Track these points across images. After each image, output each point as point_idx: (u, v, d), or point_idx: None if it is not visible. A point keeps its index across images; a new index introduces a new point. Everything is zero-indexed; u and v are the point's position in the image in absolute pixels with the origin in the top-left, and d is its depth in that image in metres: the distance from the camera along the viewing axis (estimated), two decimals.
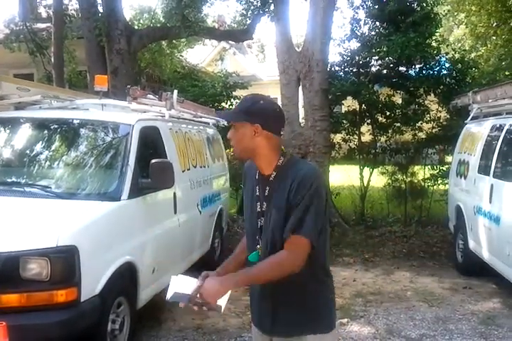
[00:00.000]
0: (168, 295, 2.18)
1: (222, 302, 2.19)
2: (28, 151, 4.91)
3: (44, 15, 14.61)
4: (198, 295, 2.11)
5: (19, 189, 4.27)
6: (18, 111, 5.53)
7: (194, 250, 5.99)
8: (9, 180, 4.55)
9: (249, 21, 12.29)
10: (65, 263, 3.46)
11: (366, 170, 9.81)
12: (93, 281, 3.67)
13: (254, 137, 2.24)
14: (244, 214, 2.48)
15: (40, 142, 5.04)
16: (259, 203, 2.31)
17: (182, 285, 2.18)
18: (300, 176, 2.18)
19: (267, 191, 2.28)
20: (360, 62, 9.80)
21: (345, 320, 5.16)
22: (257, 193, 2.32)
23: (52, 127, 5.16)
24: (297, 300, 2.26)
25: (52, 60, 11.70)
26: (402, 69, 9.79)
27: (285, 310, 2.27)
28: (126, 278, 4.14)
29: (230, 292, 2.21)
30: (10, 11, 24.63)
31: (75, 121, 5.17)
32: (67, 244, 3.48)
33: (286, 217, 2.19)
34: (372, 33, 10.04)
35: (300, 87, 9.52)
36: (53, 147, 5.06)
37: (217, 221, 7.00)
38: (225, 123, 8.82)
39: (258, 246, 2.31)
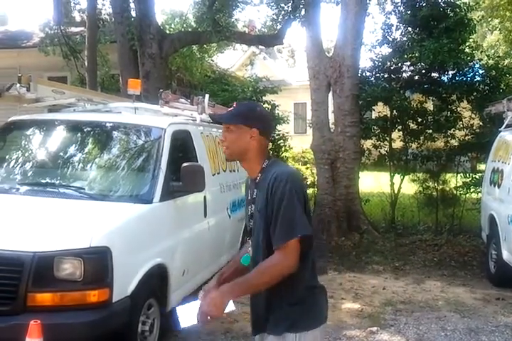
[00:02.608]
0: (181, 324, 2.31)
1: (230, 307, 2.21)
2: (62, 153, 4.97)
3: (78, 19, 14.87)
4: (203, 314, 2.15)
5: (54, 190, 4.33)
6: (53, 114, 5.63)
7: (223, 253, 5.99)
8: (44, 181, 4.62)
9: (279, 26, 12.32)
10: (98, 263, 3.50)
11: (397, 177, 9.70)
12: (125, 282, 3.70)
13: (250, 140, 2.35)
14: None
15: (74, 144, 5.11)
16: (250, 206, 2.41)
17: (189, 311, 2.26)
18: (273, 178, 2.25)
19: (254, 194, 2.38)
20: (392, 67, 9.74)
21: (375, 328, 5.09)
22: (249, 197, 2.44)
23: (86, 130, 5.22)
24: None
25: (86, 63, 11.88)
26: (435, 75, 9.68)
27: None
28: (156, 279, 4.16)
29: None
30: (45, 15, 25.13)
31: (108, 124, 5.22)
32: (100, 245, 3.52)
33: (266, 220, 2.26)
34: (404, 38, 9.97)
35: (330, 93, 9.48)
36: (87, 149, 5.11)
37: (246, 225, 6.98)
38: None
39: (249, 249, 2.41)
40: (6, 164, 4.88)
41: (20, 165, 4.86)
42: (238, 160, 2.45)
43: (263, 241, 2.28)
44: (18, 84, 4.90)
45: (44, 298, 3.42)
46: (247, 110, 2.41)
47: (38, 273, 3.39)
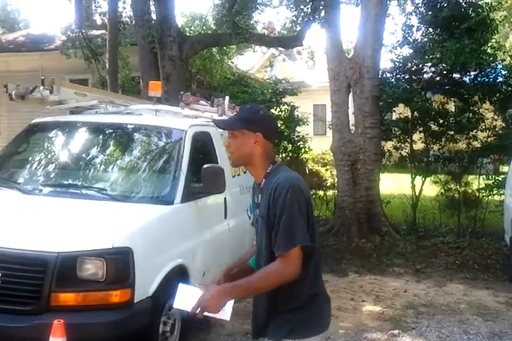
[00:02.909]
0: (175, 303, 2.30)
1: (227, 310, 2.22)
2: (84, 155, 5.04)
3: (99, 22, 15.04)
4: (200, 308, 2.17)
5: (76, 191, 4.38)
6: (76, 116, 5.69)
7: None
8: (66, 182, 4.68)
9: (299, 28, 12.31)
10: (120, 264, 3.53)
11: (418, 179, 9.60)
12: (146, 283, 3.72)
13: (254, 145, 2.34)
14: None
15: (96, 146, 5.16)
16: (257, 210, 2.42)
17: (187, 295, 2.26)
18: (275, 186, 2.25)
19: (259, 198, 2.38)
20: (413, 68, 9.63)
21: (396, 331, 5.05)
22: (255, 200, 2.44)
23: (107, 131, 5.28)
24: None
25: (107, 66, 12.00)
26: (456, 76, 9.55)
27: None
28: (177, 280, 4.16)
29: (233, 300, 2.24)
30: (67, 18, 25.44)
31: (129, 126, 5.27)
32: (123, 246, 3.54)
33: (268, 226, 2.26)
34: (425, 39, 9.86)
35: (350, 94, 9.44)
36: (109, 151, 5.17)
37: None
38: None
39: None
40: (29, 165, 4.95)
41: (43, 167, 4.92)
42: (244, 165, 2.45)
43: (266, 246, 2.29)
44: (42, 87, 4.96)
45: (67, 297, 3.46)
46: (250, 114, 2.39)
47: (62, 273, 3.42)
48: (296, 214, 2.22)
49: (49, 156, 5.14)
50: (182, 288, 2.32)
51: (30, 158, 5.06)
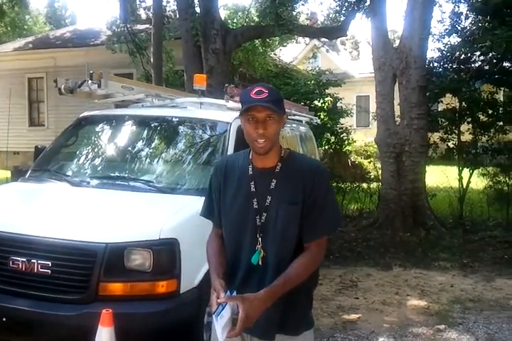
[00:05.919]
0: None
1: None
2: (131, 148, 5.11)
3: (143, 16, 15.24)
4: (244, 324, 1.99)
5: (123, 183, 4.45)
6: (123, 109, 5.78)
7: None
8: (114, 175, 4.75)
9: (343, 18, 12.15)
10: (167, 255, 3.56)
11: (465, 171, 9.39)
12: (192, 274, 3.74)
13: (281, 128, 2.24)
14: (224, 215, 2.34)
15: (143, 139, 5.22)
16: (255, 199, 2.20)
17: (224, 322, 2.02)
18: (314, 171, 2.19)
19: (273, 184, 2.19)
20: (461, 57, 9.43)
21: (443, 326, 4.96)
22: (253, 189, 2.21)
23: (153, 125, 5.33)
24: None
25: (152, 60, 12.15)
26: (507, 64, 9.32)
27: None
28: None
29: None
30: (112, 13, 25.91)
31: (174, 119, 5.31)
32: (169, 237, 3.57)
33: (303, 212, 2.15)
34: (474, 27, 9.62)
35: (396, 84, 9.28)
36: (154, 144, 5.22)
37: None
38: (318, 121, 8.75)
39: (259, 246, 2.19)
40: (77, 158, 5.06)
41: (91, 159, 5.03)
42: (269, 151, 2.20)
43: (294, 235, 2.16)
44: (90, 81, 5.03)
45: (115, 287, 3.50)
46: (280, 95, 2.24)
47: (110, 264, 3.48)
48: (335, 201, 2.27)
49: (97, 149, 5.23)
50: (220, 321, 2.02)
51: (78, 151, 5.16)
